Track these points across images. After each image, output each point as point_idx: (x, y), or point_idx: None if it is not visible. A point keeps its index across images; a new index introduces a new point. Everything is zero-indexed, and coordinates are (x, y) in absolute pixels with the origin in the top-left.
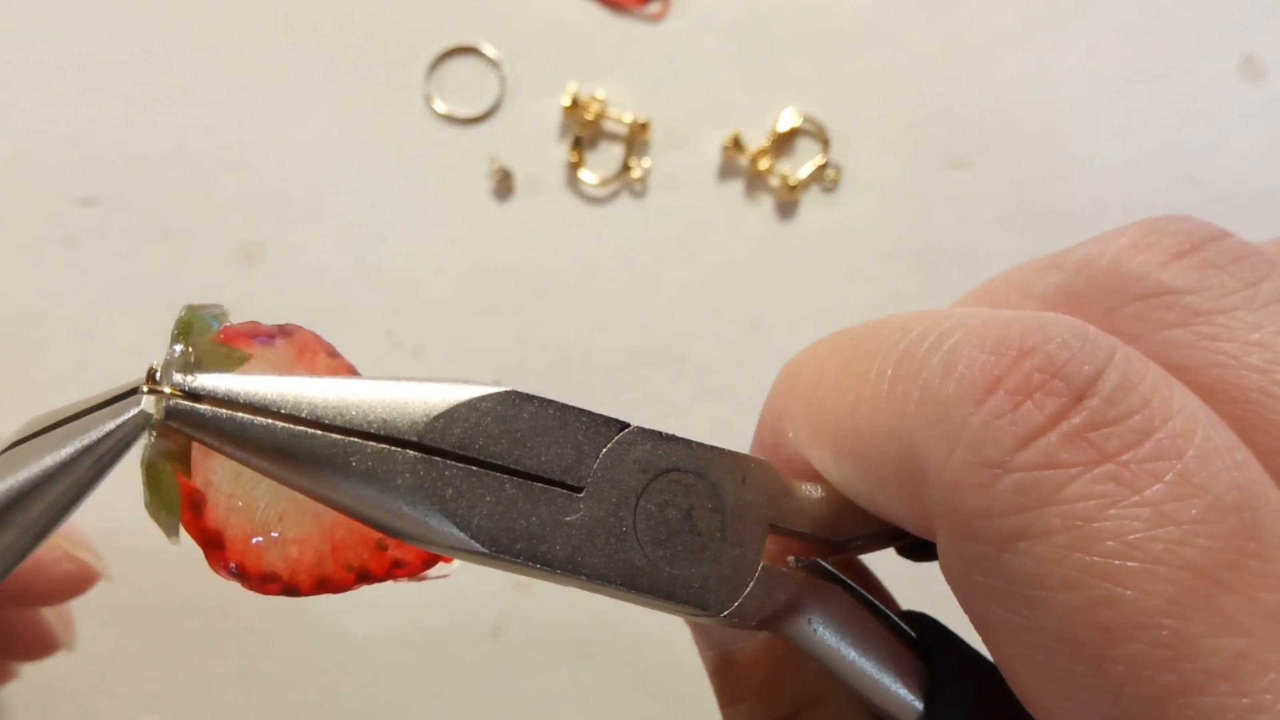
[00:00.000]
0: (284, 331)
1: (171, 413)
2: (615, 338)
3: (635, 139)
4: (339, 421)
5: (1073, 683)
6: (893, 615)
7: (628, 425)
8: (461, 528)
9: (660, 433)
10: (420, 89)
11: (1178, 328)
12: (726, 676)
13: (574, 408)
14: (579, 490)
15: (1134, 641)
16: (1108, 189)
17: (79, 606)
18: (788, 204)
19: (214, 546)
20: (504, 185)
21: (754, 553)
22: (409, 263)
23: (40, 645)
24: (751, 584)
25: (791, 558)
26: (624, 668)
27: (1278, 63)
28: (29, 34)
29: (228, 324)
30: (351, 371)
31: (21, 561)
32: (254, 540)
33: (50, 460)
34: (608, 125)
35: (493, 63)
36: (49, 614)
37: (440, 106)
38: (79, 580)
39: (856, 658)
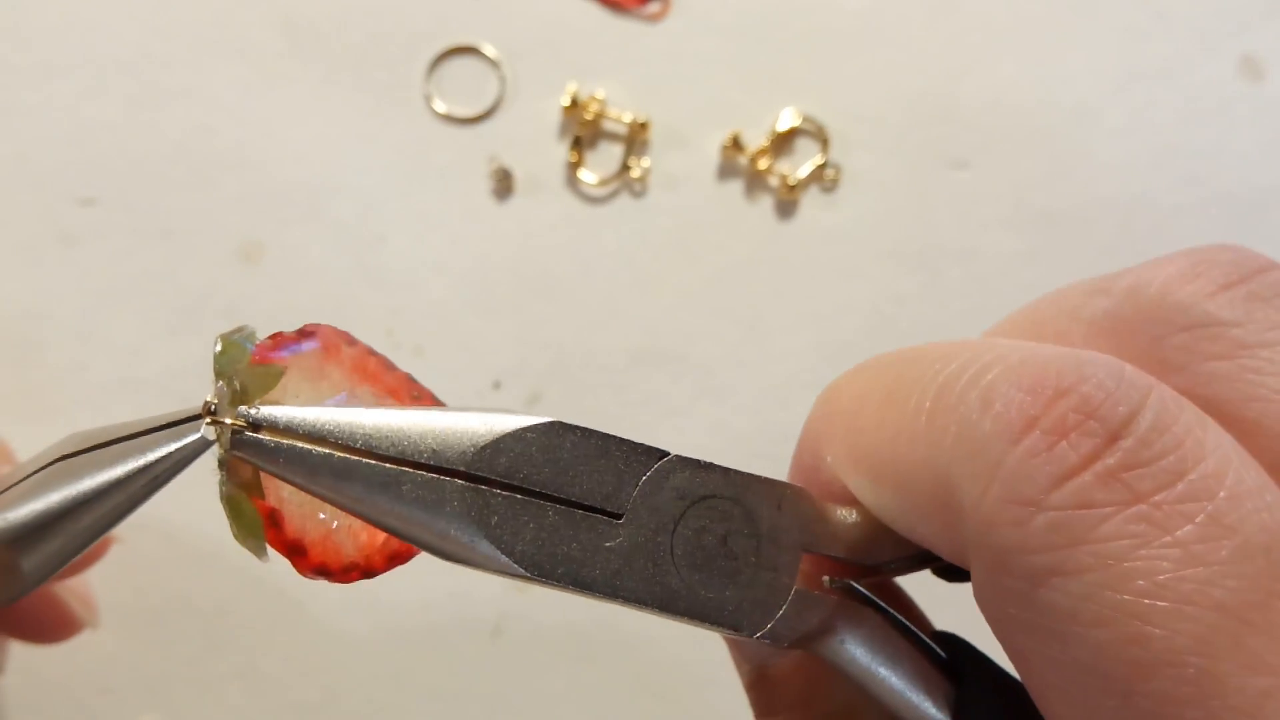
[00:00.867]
0: (305, 334)
1: (237, 444)
2: (615, 338)
3: (635, 139)
4: (392, 451)
5: (1101, 715)
6: (924, 636)
7: (667, 454)
8: (506, 553)
9: (699, 461)
10: (420, 89)
11: (1222, 360)
12: (761, 690)
13: (616, 437)
14: (619, 517)
15: (1162, 678)
16: (1108, 189)
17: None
18: (787, 204)
19: (298, 554)
20: (504, 185)
21: (788, 576)
22: (409, 263)
23: (59, 626)
24: (784, 607)
25: (826, 578)
26: (624, 668)
27: (1278, 63)
28: (29, 34)
29: (257, 342)
30: (369, 355)
31: (63, 568)
32: (328, 537)
33: (106, 476)
34: (607, 125)
35: (492, 63)
36: (68, 595)
37: (440, 106)
38: (60, 628)
39: (887, 675)
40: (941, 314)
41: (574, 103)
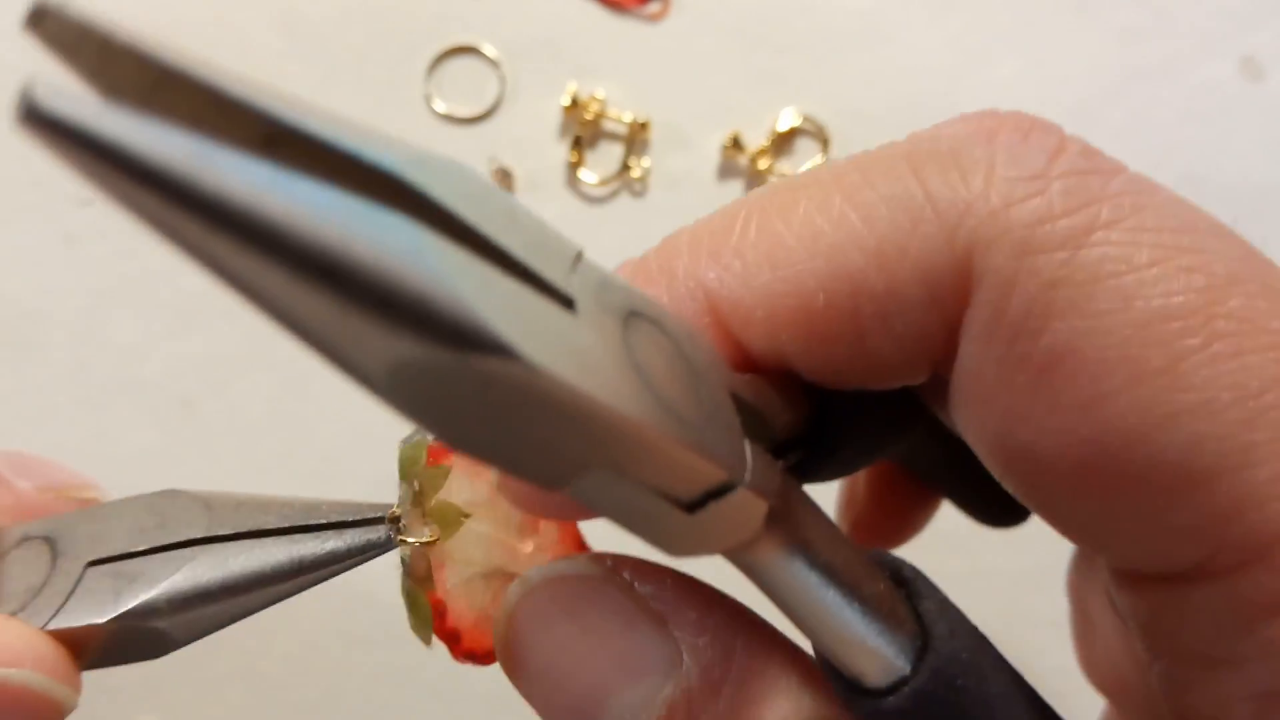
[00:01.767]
0: None
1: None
2: None
3: (635, 139)
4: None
5: (1183, 354)
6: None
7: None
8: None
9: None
10: (420, 89)
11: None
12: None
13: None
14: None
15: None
16: None
17: None
18: None
19: (455, 642)
20: (504, 185)
21: (732, 415)
22: None
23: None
24: (750, 457)
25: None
26: None
27: (1278, 63)
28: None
29: (429, 445)
30: None
31: (208, 634)
32: (476, 625)
33: (282, 556)
34: (607, 125)
35: (492, 62)
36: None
37: (440, 106)
38: (45, 712)
39: (836, 599)
40: None
41: (574, 103)
